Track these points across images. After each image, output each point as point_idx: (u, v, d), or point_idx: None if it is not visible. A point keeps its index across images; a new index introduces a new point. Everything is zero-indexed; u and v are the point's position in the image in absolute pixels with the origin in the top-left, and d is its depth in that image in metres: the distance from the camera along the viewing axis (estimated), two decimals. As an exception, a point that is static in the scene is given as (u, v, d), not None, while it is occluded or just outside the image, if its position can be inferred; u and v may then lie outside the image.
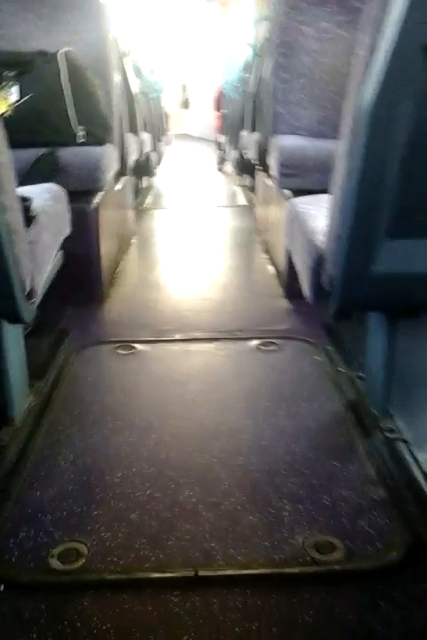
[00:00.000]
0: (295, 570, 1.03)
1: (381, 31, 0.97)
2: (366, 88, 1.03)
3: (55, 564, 1.04)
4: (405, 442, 1.37)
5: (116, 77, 2.69)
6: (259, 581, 1.01)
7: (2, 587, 1.00)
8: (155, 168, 5.15)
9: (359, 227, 1.14)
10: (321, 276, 1.31)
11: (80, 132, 2.31)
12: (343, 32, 2.42)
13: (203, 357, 1.83)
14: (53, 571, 1.03)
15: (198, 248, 3.15)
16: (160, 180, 5.72)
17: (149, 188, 4.95)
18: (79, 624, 0.93)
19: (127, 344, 1.91)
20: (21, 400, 1.52)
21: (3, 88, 2.24)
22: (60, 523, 1.14)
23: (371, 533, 1.10)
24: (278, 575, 1.02)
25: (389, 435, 1.39)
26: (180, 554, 1.05)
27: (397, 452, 1.34)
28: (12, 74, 2.26)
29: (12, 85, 2.25)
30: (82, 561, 1.04)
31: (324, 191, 1.54)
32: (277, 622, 0.93)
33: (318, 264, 1.31)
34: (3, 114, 2.19)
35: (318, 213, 1.47)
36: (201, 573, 1.01)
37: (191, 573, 1.01)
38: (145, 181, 4.76)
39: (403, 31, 0.95)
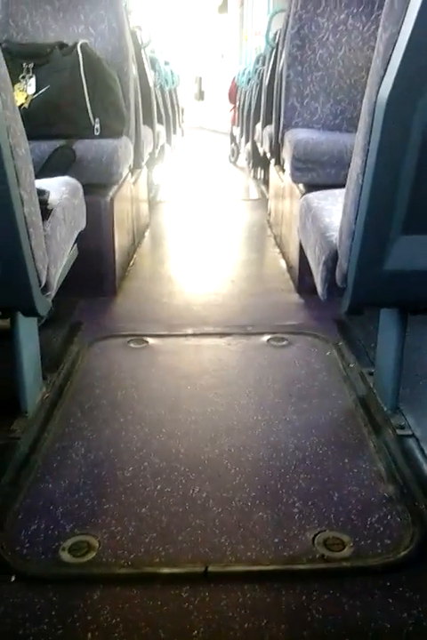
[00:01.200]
0: (305, 566, 1.03)
1: (400, 27, 0.97)
2: (384, 83, 1.02)
3: (66, 556, 1.05)
4: (415, 438, 1.36)
5: (133, 70, 2.69)
6: (268, 577, 1.01)
7: (13, 578, 1.01)
8: (169, 160, 5.14)
9: (374, 222, 1.14)
10: (335, 272, 1.30)
11: (96, 125, 2.31)
12: (359, 25, 2.40)
13: (214, 352, 1.83)
14: (64, 563, 1.04)
15: (210, 241, 3.15)
16: (174, 172, 5.71)
17: (163, 180, 4.94)
18: (89, 617, 0.93)
19: (139, 338, 1.91)
20: (34, 392, 1.53)
21: (20, 80, 2.25)
22: (71, 515, 1.15)
23: (380, 530, 1.10)
24: (288, 571, 1.03)
25: (399, 431, 1.39)
26: (190, 549, 1.06)
27: (407, 448, 1.33)
28: (29, 65, 2.27)
29: (30, 77, 2.26)
30: (92, 554, 1.05)
31: (338, 186, 1.54)
32: (287, 618, 0.93)
33: (332, 260, 1.30)
34: (20, 106, 2.20)
35: (333, 209, 1.46)
36: (211, 569, 1.02)
37: (201, 569, 1.02)
38: (159, 174, 4.75)
39: (422, 27, 0.94)
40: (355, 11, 2.39)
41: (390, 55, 0.99)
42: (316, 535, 1.09)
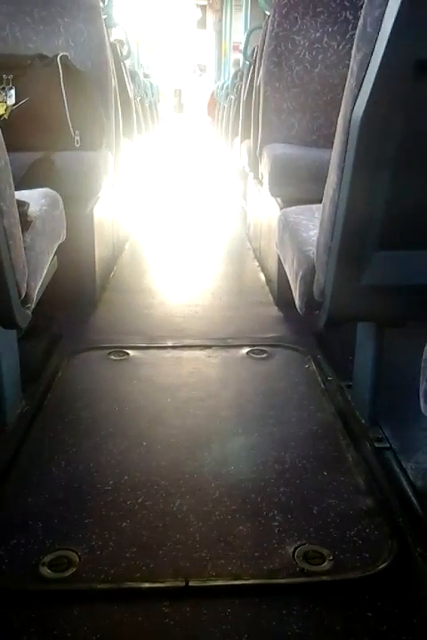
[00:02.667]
0: (285, 580, 1.03)
1: (373, 47, 0.99)
2: (357, 102, 1.04)
3: (46, 572, 1.04)
4: (393, 451, 1.38)
5: (113, 82, 2.70)
6: (249, 592, 1.01)
7: (-8, 595, 1.00)
8: (149, 173, 5.15)
9: (350, 238, 1.16)
10: (312, 286, 1.32)
11: (76, 137, 2.32)
12: (334, 43, 2.43)
13: (194, 364, 1.84)
14: (44, 579, 1.03)
15: (190, 254, 3.16)
16: (153, 185, 5.72)
17: (142, 193, 4.95)
18: (69, 634, 0.93)
19: (120, 350, 1.91)
20: (14, 405, 1.52)
21: (0, 91, 2.25)
22: (50, 530, 1.14)
23: (359, 543, 1.11)
24: (268, 586, 1.03)
25: (377, 444, 1.40)
26: (170, 563, 1.06)
27: (384, 461, 1.35)
28: (9, 77, 2.26)
29: (10, 88, 2.26)
30: (73, 570, 1.05)
31: (315, 200, 1.56)
32: (267, 633, 0.94)
33: (309, 274, 1.32)
34: (0, 117, 2.20)
35: (309, 223, 1.48)
36: (191, 583, 1.02)
37: (182, 584, 1.02)
38: (139, 185, 4.76)
39: (394, 48, 0.96)
40: (330, 29, 2.43)
41: (364, 75, 1.01)
42: (296, 549, 1.09)
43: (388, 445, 1.40)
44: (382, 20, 0.97)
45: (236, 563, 1.06)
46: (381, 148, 1.05)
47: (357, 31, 1.04)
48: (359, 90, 1.04)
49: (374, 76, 0.99)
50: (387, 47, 0.96)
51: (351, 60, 1.06)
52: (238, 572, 1.05)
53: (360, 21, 1.02)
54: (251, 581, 1.03)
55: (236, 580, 1.03)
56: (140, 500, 1.22)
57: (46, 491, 1.25)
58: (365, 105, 1.02)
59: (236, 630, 0.94)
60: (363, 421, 1.49)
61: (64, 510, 1.19)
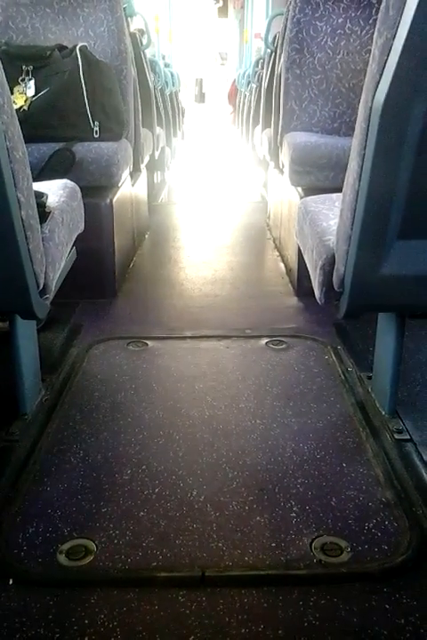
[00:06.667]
0: (302, 571, 1.03)
1: (395, 31, 0.97)
2: (379, 87, 1.02)
3: (63, 560, 1.05)
4: (413, 443, 1.37)
5: (132, 72, 2.69)
6: (265, 582, 1.01)
7: (10, 581, 1.01)
8: (169, 163, 5.15)
9: (370, 227, 1.14)
10: (332, 276, 1.31)
11: (96, 127, 2.32)
12: (357, 28, 2.40)
13: (213, 355, 1.83)
14: (61, 567, 1.04)
15: (209, 244, 3.15)
16: (174, 175, 5.72)
17: (163, 182, 4.95)
18: (87, 621, 0.94)
19: (139, 340, 1.91)
20: (33, 395, 1.53)
21: (20, 82, 2.26)
22: (68, 519, 1.15)
23: (378, 535, 1.10)
24: (285, 576, 1.03)
25: (397, 436, 1.39)
26: (187, 553, 1.06)
27: (404, 453, 1.33)
28: (29, 68, 2.27)
29: (29, 80, 2.27)
30: (90, 558, 1.05)
31: (336, 189, 1.54)
32: (283, 624, 0.93)
33: (329, 264, 1.31)
34: (20, 108, 2.21)
35: (330, 213, 1.47)
36: (208, 573, 1.02)
37: (198, 573, 1.02)
38: (159, 176, 4.76)
39: (417, 31, 0.94)
40: (353, 15, 2.40)
41: (386, 60, 0.99)
42: (313, 540, 1.09)
43: (408, 437, 1.38)
44: (404, 3, 0.94)
45: (252, 553, 1.06)
46: (402, 135, 1.03)
47: (379, 15, 1.02)
48: (381, 75, 1.02)
49: (397, 60, 0.97)
50: (410, 31, 0.94)
51: (373, 44, 1.04)
52: (255, 562, 1.04)
53: (383, 5, 1.00)
54: (267, 572, 1.03)
55: (252, 570, 1.03)
56: (157, 490, 1.23)
57: (65, 480, 1.26)
58: (386, 91, 1.00)
59: (252, 620, 0.93)
60: (383, 413, 1.47)
61: (82, 499, 1.20)
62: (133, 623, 0.93)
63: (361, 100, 1.09)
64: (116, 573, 1.03)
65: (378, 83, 1.02)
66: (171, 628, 0.93)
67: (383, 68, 1.00)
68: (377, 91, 1.02)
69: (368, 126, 1.06)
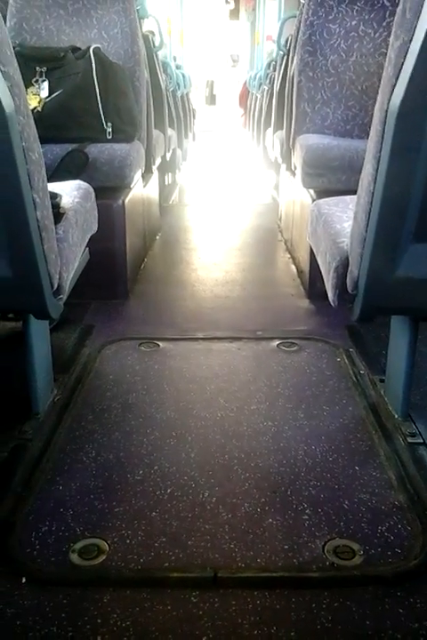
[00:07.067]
0: (315, 574, 1.03)
1: (412, 34, 0.97)
2: (395, 90, 1.02)
3: (76, 559, 1.05)
4: (426, 446, 1.36)
5: (145, 73, 2.70)
6: (278, 584, 1.01)
7: (24, 579, 1.02)
8: (180, 165, 5.16)
9: (385, 229, 1.14)
10: (345, 278, 1.30)
11: (109, 129, 2.33)
12: (370, 31, 2.39)
13: (224, 356, 1.84)
14: (74, 566, 1.04)
15: (221, 245, 3.16)
16: (185, 176, 5.73)
17: (174, 184, 4.96)
18: (99, 620, 0.94)
19: (150, 341, 1.92)
20: (46, 394, 1.54)
21: (33, 84, 2.27)
22: (81, 518, 1.15)
23: (391, 539, 1.10)
24: (297, 579, 1.02)
25: (410, 439, 1.38)
26: (199, 554, 1.06)
27: (417, 456, 1.33)
28: (42, 69, 2.29)
29: (43, 81, 2.28)
30: (102, 557, 1.06)
31: (349, 192, 1.54)
32: (296, 626, 0.93)
33: (343, 266, 1.30)
34: (34, 109, 2.22)
35: (343, 215, 1.47)
36: (220, 574, 1.02)
37: (210, 574, 1.02)
38: (170, 178, 4.77)
39: None
40: (366, 17, 2.39)
41: (402, 63, 0.99)
42: (326, 543, 1.09)
43: (421, 441, 1.38)
44: (422, 6, 0.94)
45: (264, 555, 1.06)
46: (418, 138, 1.03)
47: (395, 18, 1.01)
48: (397, 78, 1.01)
49: (413, 64, 0.97)
50: None
51: (389, 47, 1.04)
52: (267, 564, 1.04)
53: (399, 7, 1.00)
54: (280, 574, 1.03)
55: (264, 572, 1.03)
56: (169, 491, 1.23)
57: (77, 479, 1.26)
58: (403, 94, 0.99)
59: (264, 622, 0.93)
60: (396, 416, 1.47)
61: (94, 499, 1.20)
62: (146, 623, 0.94)
63: (377, 103, 1.09)
64: (128, 573, 1.03)
65: (394, 86, 1.02)
66: (183, 628, 0.93)
67: (400, 72, 1.00)
68: (393, 94, 1.02)
69: (384, 129, 1.06)
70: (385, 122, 1.04)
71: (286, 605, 0.96)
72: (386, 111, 1.04)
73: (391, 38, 1.02)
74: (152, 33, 3.36)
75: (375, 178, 1.10)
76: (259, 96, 5.20)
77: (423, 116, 1.00)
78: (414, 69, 0.96)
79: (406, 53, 0.98)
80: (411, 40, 0.97)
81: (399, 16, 0.99)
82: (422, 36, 0.93)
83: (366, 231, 1.16)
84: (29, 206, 1.14)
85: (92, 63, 2.30)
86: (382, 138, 1.06)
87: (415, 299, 1.24)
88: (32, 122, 1.15)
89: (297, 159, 2.47)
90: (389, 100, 1.03)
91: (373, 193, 1.12)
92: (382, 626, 0.93)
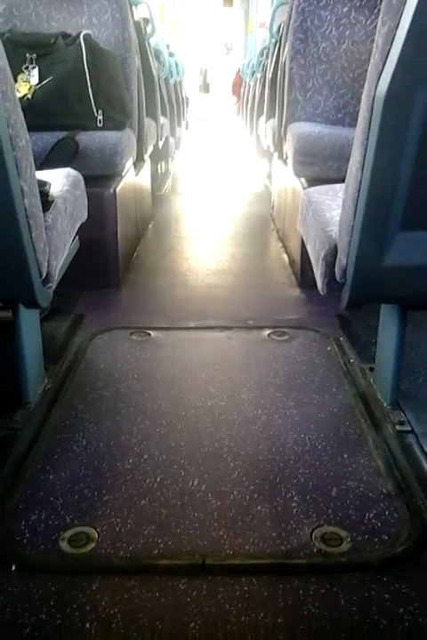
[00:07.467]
0: (302, 561, 1.04)
1: (398, 20, 0.96)
2: (382, 77, 1.02)
3: (65, 547, 1.06)
4: (414, 434, 1.37)
5: (136, 61, 2.68)
6: (266, 571, 1.02)
7: (13, 567, 1.02)
8: (173, 153, 5.14)
9: (373, 218, 1.14)
10: (334, 267, 1.30)
11: (99, 116, 2.31)
12: (362, 18, 2.38)
13: (215, 345, 1.84)
14: (63, 554, 1.05)
15: (213, 234, 3.15)
16: (178, 165, 5.71)
17: (167, 173, 4.94)
18: (88, 607, 0.94)
19: (142, 330, 1.92)
20: (36, 384, 1.54)
21: (23, 70, 2.25)
22: (71, 506, 1.15)
23: (378, 526, 1.10)
24: (285, 565, 1.03)
25: (398, 427, 1.39)
26: (188, 541, 1.07)
27: (406, 444, 1.34)
28: (32, 56, 2.27)
29: (33, 68, 2.26)
30: (91, 545, 1.06)
31: (340, 180, 1.53)
32: (283, 612, 0.94)
33: (332, 255, 1.30)
34: (23, 96, 2.20)
35: (333, 203, 1.47)
36: (209, 562, 1.02)
37: (199, 562, 1.02)
38: (163, 166, 4.75)
39: (421, 20, 0.93)
40: (358, 4, 2.38)
41: (389, 50, 0.99)
42: (314, 530, 1.09)
43: (409, 429, 1.39)
44: (407, -7, 0.94)
45: (253, 542, 1.07)
46: (405, 126, 1.03)
47: (382, 4, 1.01)
48: (384, 65, 1.01)
49: (400, 50, 0.96)
50: (413, 20, 0.93)
51: (376, 34, 1.03)
52: (255, 551, 1.05)
53: None
54: (268, 561, 1.04)
55: (253, 559, 1.04)
56: (159, 479, 1.23)
57: (67, 468, 1.27)
58: (389, 80, 0.99)
59: (252, 608, 0.94)
60: (385, 404, 1.47)
61: (84, 487, 1.21)
62: (134, 610, 0.94)
63: (364, 90, 1.09)
64: (117, 561, 1.04)
65: (381, 72, 1.02)
66: (171, 615, 0.93)
67: (386, 58, 1.00)
68: (380, 80, 1.02)
69: (371, 116, 1.05)
70: (372, 109, 1.04)
71: (274, 592, 0.97)
72: (373, 98, 1.04)
73: (378, 24, 1.02)
74: (144, 20, 3.34)
75: (363, 165, 1.10)
76: (252, 84, 5.18)
77: (410, 103, 1.00)
78: (401, 55, 0.96)
79: (393, 40, 0.97)
80: (398, 26, 0.96)
81: (386, 2, 0.98)
82: (409, 22, 0.93)
83: (354, 219, 1.16)
84: (17, 194, 1.13)
85: (82, 50, 2.28)
86: (370, 125, 1.06)
87: (403, 287, 1.25)
88: (19, 108, 1.14)
89: (289, 148, 2.47)
90: (376, 87, 1.03)
91: (360, 181, 1.11)
92: (369, 612, 0.94)
